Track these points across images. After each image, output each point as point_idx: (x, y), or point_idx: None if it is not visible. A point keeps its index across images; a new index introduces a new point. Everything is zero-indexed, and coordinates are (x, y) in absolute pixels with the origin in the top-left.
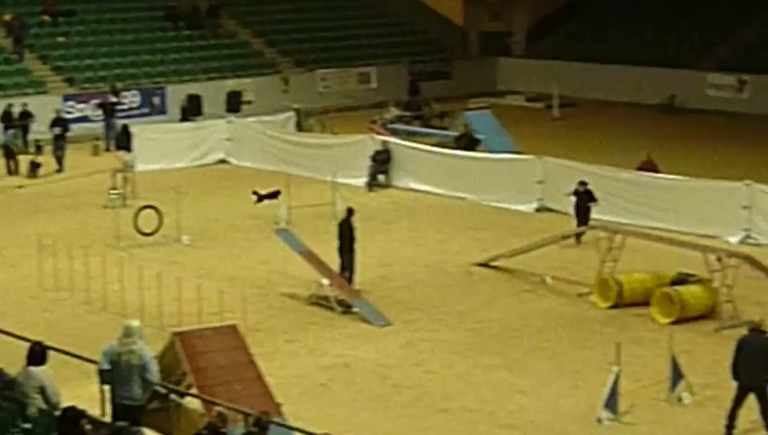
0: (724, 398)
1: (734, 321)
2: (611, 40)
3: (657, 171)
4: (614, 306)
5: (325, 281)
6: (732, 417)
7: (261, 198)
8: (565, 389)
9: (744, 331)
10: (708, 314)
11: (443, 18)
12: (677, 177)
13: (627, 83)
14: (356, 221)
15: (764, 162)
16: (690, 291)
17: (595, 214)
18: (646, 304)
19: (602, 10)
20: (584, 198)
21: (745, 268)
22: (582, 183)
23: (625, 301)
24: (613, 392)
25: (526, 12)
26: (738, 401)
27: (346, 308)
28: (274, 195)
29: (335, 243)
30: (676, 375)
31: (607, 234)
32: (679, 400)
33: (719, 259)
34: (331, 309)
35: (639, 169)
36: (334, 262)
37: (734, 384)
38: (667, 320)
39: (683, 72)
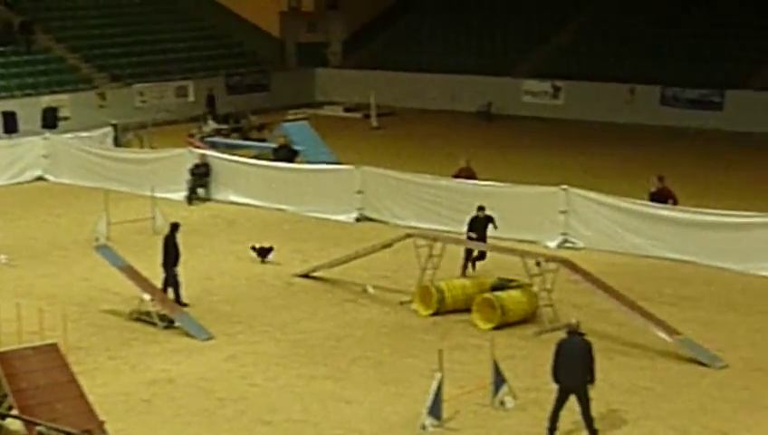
0: (546, 400)
1: (554, 324)
2: (427, 49)
3: (475, 178)
4: (436, 313)
5: (146, 296)
6: (554, 419)
7: (260, 252)
8: (389, 397)
9: (563, 334)
10: (529, 318)
11: (259, 30)
12: (495, 183)
13: (444, 92)
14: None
15: (580, 167)
16: (510, 296)
17: (413, 222)
18: (467, 310)
19: (417, 19)
20: (482, 223)
21: (564, 272)
22: (480, 208)
23: (446, 308)
24: (436, 399)
25: (342, 22)
26: (559, 403)
27: (168, 323)
28: (268, 251)
29: (159, 258)
30: (499, 380)
31: (427, 241)
32: (502, 404)
33: (538, 264)
34: (153, 324)
35: (457, 176)
36: (157, 277)
37: (555, 387)
38: (489, 325)
39: (499, 79)
